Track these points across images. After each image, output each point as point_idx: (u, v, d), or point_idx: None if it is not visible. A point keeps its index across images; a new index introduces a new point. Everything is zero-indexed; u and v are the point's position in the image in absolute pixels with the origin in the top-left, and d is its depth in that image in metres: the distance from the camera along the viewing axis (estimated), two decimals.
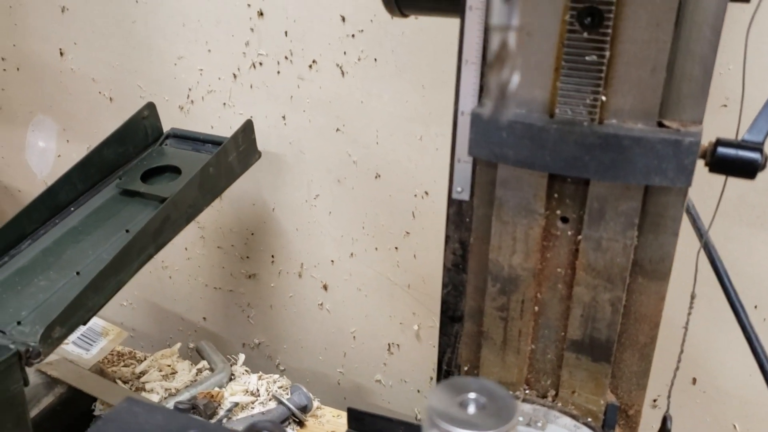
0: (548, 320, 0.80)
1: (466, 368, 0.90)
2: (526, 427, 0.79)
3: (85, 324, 1.00)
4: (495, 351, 0.83)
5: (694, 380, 1.15)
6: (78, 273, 1.04)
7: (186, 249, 1.72)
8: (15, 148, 1.95)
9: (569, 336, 0.78)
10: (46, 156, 1.90)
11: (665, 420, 0.81)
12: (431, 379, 1.46)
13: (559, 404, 0.82)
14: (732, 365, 1.11)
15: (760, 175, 1.06)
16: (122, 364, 1.45)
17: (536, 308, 0.80)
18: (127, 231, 1.12)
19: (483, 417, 0.43)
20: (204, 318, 1.77)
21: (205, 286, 1.74)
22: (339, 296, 1.53)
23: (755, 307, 1.12)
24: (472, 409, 0.44)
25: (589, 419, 0.81)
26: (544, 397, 0.83)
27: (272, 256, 1.59)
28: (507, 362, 0.83)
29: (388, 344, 1.50)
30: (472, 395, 0.44)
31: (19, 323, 0.96)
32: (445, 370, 0.90)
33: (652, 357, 0.78)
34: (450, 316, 0.90)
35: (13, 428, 0.90)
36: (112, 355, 1.49)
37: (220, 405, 1.36)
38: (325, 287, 1.54)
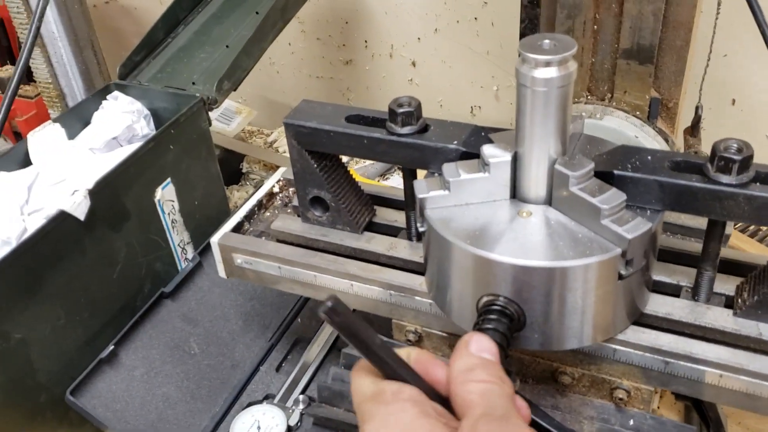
0: (605, 36, 1.03)
1: None
2: (587, 119, 1.05)
3: (240, 82, 1.29)
4: None
5: (734, 101, 1.37)
6: (227, 46, 1.32)
7: (289, 44, 1.97)
8: None
9: (621, 46, 1.01)
10: None
11: (697, 108, 1.05)
12: None
13: (614, 104, 1.07)
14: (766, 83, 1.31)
15: None
16: (255, 137, 1.77)
17: (595, 27, 1.03)
18: (257, 12, 1.37)
19: (551, 48, 0.66)
20: None
21: (309, 76, 2.01)
22: (426, 70, 1.78)
23: None
24: (545, 46, 0.67)
25: (637, 113, 1.06)
26: (603, 100, 1.08)
27: (365, 41, 1.83)
28: None
29: (471, 107, 1.75)
30: (546, 41, 0.68)
31: (193, 83, 1.26)
32: None
33: (686, 58, 1.00)
34: None
35: (206, 156, 1.23)
36: (245, 132, 1.82)
37: None
38: (413, 64, 1.78)
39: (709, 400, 0.76)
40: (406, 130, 0.83)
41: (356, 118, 0.88)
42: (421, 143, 0.82)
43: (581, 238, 0.70)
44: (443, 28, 1.66)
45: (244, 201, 1.07)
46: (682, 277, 0.81)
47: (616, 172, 0.72)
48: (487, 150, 0.75)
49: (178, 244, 1.19)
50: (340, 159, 0.93)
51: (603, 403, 0.81)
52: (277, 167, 1.66)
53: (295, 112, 0.90)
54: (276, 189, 1.07)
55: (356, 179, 0.95)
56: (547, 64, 0.66)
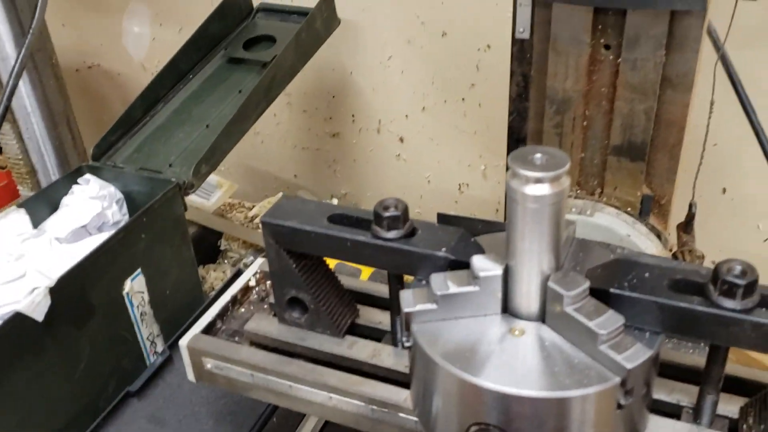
0: (595, 132, 1.00)
1: None
2: (577, 215, 1.01)
3: (219, 163, 1.25)
4: None
5: (724, 190, 1.34)
6: (207, 126, 1.29)
7: (275, 115, 1.95)
8: (112, 36, 2.16)
9: (612, 143, 0.99)
10: (142, 40, 2.12)
11: (691, 206, 1.02)
12: (497, 210, 1.69)
13: (604, 199, 1.04)
14: (757, 172, 1.29)
15: None
16: (235, 211, 1.72)
17: (585, 123, 1.00)
18: (240, 91, 1.34)
19: (543, 163, 0.63)
20: (295, 175, 2.02)
21: (294, 147, 1.98)
22: (413, 147, 1.75)
23: None
24: (537, 160, 0.64)
25: (629, 209, 1.02)
26: (592, 194, 1.04)
27: (353, 116, 1.80)
28: None
29: (459, 184, 1.72)
30: (537, 155, 0.64)
31: (170, 165, 1.22)
32: None
33: (679, 156, 0.98)
34: (516, 139, 1.11)
35: (180, 243, 1.17)
36: (225, 206, 1.77)
37: None
38: (401, 140, 1.76)
39: None
40: (392, 234, 0.78)
41: (339, 218, 0.83)
42: (408, 249, 0.77)
43: (578, 363, 0.65)
44: (431, 106, 1.64)
45: (218, 291, 1.01)
46: (682, 395, 0.75)
47: (612, 290, 0.67)
48: (477, 262, 0.70)
49: (147, 338, 1.12)
50: (322, 258, 0.88)
51: None
52: (257, 246, 1.61)
53: (274, 209, 0.85)
54: (252, 282, 1.02)
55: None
56: (538, 180, 0.63)
